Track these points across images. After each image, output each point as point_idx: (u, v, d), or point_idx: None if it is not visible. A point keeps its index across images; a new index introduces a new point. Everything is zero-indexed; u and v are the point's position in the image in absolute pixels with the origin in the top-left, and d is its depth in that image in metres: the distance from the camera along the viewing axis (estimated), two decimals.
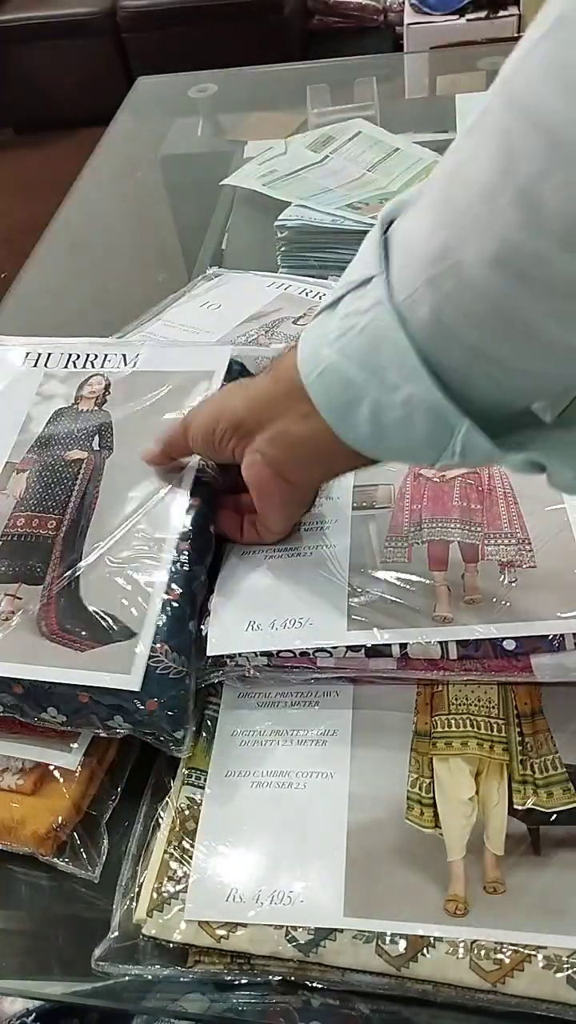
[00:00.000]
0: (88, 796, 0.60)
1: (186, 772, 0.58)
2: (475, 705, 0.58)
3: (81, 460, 0.62)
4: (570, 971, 0.47)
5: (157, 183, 1.50)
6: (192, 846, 0.54)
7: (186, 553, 0.60)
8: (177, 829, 0.55)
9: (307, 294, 0.93)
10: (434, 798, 0.54)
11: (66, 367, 0.71)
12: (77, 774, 0.59)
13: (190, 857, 0.53)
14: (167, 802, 0.57)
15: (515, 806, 0.53)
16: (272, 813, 0.55)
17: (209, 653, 0.59)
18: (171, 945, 0.51)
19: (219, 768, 0.57)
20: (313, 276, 0.98)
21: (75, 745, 0.60)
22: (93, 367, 0.70)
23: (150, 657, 0.56)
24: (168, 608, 0.58)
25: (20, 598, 0.58)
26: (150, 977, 0.52)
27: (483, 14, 2.78)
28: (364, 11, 3.40)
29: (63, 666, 0.56)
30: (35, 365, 0.72)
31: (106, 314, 1.14)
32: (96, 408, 0.65)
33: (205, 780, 0.57)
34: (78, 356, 0.71)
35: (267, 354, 0.73)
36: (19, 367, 0.72)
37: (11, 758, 0.60)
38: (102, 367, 0.70)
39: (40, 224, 1.39)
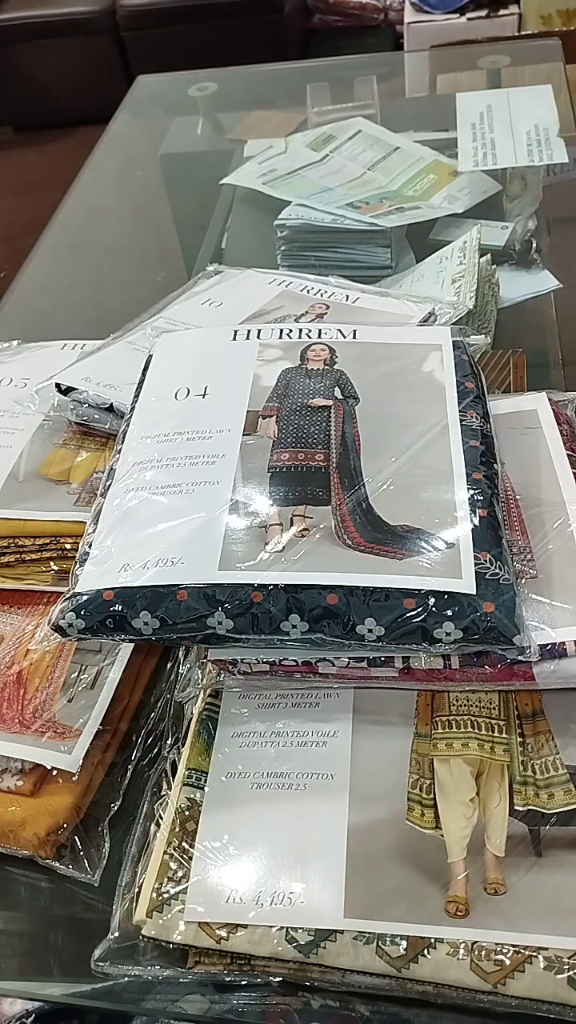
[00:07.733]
0: (88, 798, 0.60)
1: (186, 772, 0.57)
2: (476, 706, 0.58)
3: (328, 406, 0.68)
4: (571, 972, 0.47)
5: (157, 182, 1.50)
6: (192, 847, 0.54)
7: (479, 479, 0.62)
8: (177, 830, 0.55)
9: (308, 291, 0.92)
10: (435, 799, 0.54)
11: (280, 338, 0.77)
12: (77, 776, 0.59)
13: (190, 858, 0.53)
14: (167, 802, 0.57)
15: (516, 807, 0.53)
16: (272, 814, 0.55)
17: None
18: (171, 946, 0.51)
19: (219, 769, 0.57)
20: (313, 275, 0.97)
21: (75, 746, 0.59)
22: (309, 338, 0.77)
23: (476, 563, 0.56)
24: (480, 522, 0.58)
25: (310, 517, 0.60)
26: (150, 978, 0.51)
27: (483, 13, 2.77)
28: (364, 9, 3.39)
29: (387, 572, 0.56)
30: (247, 339, 0.77)
31: (106, 312, 1.15)
32: (327, 368, 0.73)
33: (205, 781, 0.57)
34: (291, 331, 0.78)
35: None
36: (231, 341, 0.77)
37: (11, 759, 0.60)
38: (319, 338, 0.76)
39: (40, 223, 1.38)
